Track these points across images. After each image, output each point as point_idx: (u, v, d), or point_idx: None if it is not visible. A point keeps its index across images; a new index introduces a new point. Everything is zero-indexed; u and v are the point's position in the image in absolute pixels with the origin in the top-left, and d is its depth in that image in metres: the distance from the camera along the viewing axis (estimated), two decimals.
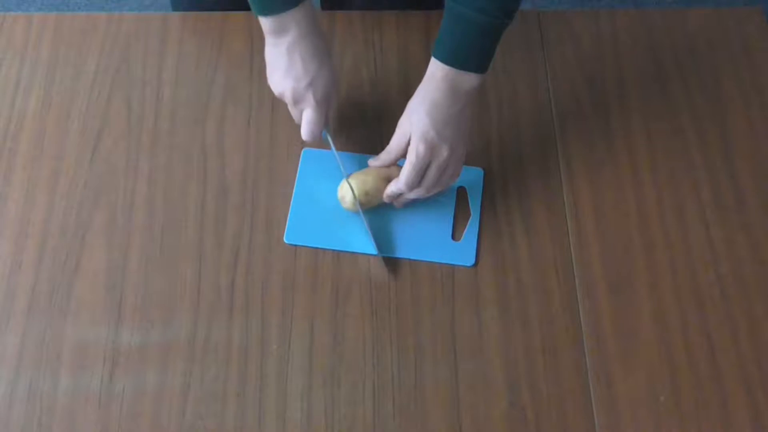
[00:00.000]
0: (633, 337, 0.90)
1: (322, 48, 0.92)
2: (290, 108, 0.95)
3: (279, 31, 0.90)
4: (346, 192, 0.93)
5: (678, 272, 0.94)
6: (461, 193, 0.98)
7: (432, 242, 0.95)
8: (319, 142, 0.96)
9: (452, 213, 0.97)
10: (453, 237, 0.96)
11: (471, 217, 0.97)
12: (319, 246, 0.94)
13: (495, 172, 1.00)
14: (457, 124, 0.90)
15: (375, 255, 0.93)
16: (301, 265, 0.93)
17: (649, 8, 2.14)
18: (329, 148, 0.96)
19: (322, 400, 0.86)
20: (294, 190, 0.97)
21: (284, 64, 0.91)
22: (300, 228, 0.94)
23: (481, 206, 0.97)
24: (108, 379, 0.87)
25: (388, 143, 1.00)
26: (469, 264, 0.94)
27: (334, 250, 0.94)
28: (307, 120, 0.92)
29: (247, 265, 0.93)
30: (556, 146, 1.02)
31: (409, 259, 0.94)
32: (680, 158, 1.01)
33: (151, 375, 0.87)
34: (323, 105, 0.92)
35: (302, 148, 1.00)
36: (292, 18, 0.89)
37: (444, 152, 0.89)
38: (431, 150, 0.89)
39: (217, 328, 0.89)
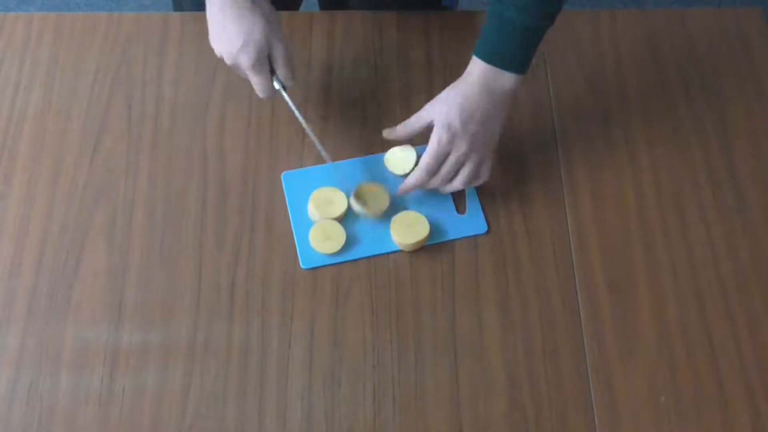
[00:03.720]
0: (633, 337, 0.90)
1: (250, 11, 0.90)
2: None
3: None
4: (358, 205, 0.94)
5: (678, 272, 0.94)
6: None
7: (440, 222, 0.95)
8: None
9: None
10: (457, 211, 0.96)
11: (467, 188, 0.97)
12: (338, 261, 0.93)
13: (495, 171, 0.99)
14: (485, 122, 0.91)
15: (397, 251, 0.94)
16: (300, 264, 0.93)
17: (649, 8, 2.14)
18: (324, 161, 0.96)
19: (322, 400, 0.86)
20: (290, 216, 0.96)
21: (218, 28, 0.92)
22: (312, 250, 0.94)
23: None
24: (108, 379, 0.86)
25: (388, 143, 1.00)
26: (482, 231, 0.95)
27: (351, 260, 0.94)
28: (253, 83, 0.92)
29: (247, 265, 0.93)
30: (556, 146, 1.02)
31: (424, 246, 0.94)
32: (680, 158, 1.01)
33: (151, 375, 0.87)
34: (258, 69, 0.90)
35: (282, 172, 0.99)
36: None
37: (464, 145, 0.90)
38: (452, 139, 0.90)
39: (217, 329, 0.89)
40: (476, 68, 0.91)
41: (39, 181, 0.98)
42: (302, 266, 0.93)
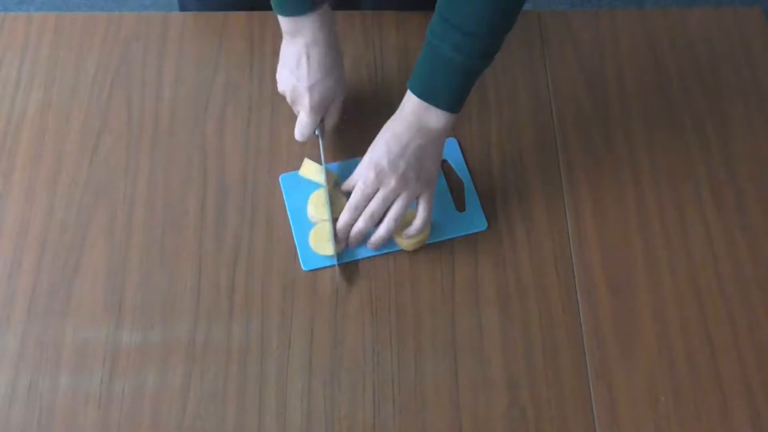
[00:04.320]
0: (633, 337, 0.90)
1: (333, 58, 0.93)
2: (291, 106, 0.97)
3: (294, 33, 0.92)
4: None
5: (678, 272, 0.94)
6: (447, 168, 0.99)
7: (440, 221, 0.95)
8: (312, 150, 0.97)
9: (447, 188, 0.98)
10: (457, 209, 0.96)
11: (465, 186, 0.97)
12: (339, 263, 0.93)
13: (495, 171, 1.00)
14: (416, 159, 0.88)
15: (398, 251, 0.94)
16: (301, 265, 0.93)
17: (649, 8, 2.14)
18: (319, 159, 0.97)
19: (322, 400, 0.86)
20: (290, 218, 0.96)
21: (293, 63, 0.93)
22: (312, 252, 0.94)
23: (470, 172, 0.99)
24: (108, 379, 0.86)
25: None
26: (482, 228, 0.95)
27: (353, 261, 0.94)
28: (299, 121, 0.94)
29: (247, 265, 0.93)
30: (556, 146, 1.02)
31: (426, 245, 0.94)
32: (680, 158, 1.01)
33: (151, 375, 0.87)
34: (316, 110, 0.93)
35: (280, 174, 0.99)
36: (310, 22, 0.90)
37: (392, 183, 0.88)
38: (379, 178, 0.88)
39: (217, 328, 0.89)
40: (408, 103, 0.89)
41: (39, 181, 0.98)
42: (303, 268, 0.93)
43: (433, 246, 0.95)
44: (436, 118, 0.87)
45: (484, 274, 0.93)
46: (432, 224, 0.94)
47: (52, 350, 0.88)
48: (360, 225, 0.91)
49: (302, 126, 0.94)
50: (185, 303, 0.91)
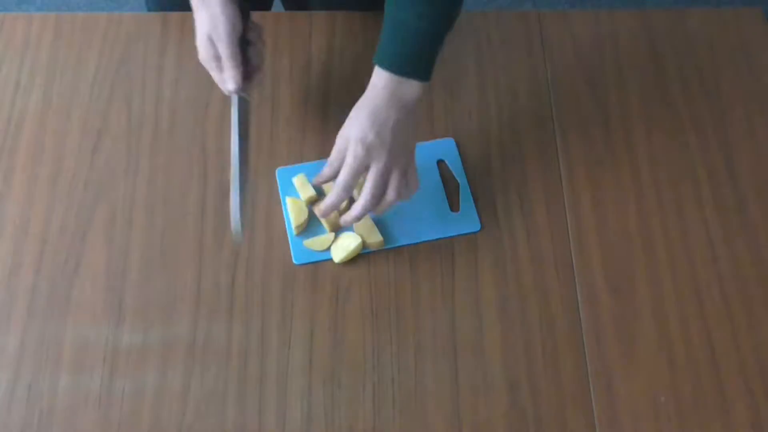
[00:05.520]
0: (633, 337, 0.90)
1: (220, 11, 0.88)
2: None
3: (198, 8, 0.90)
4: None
5: (678, 272, 0.94)
6: (443, 168, 0.99)
7: (433, 220, 0.95)
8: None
9: (442, 188, 0.98)
10: (451, 209, 0.96)
11: (461, 186, 0.97)
12: (329, 257, 0.93)
13: (495, 171, 1.00)
14: (399, 133, 0.87)
15: (390, 248, 0.94)
16: (301, 265, 0.93)
17: (649, 8, 2.14)
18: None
19: (322, 400, 0.86)
20: (284, 212, 0.96)
21: (198, 32, 0.90)
22: (303, 246, 0.94)
23: (466, 173, 0.98)
24: (108, 379, 0.87)
25: None
26: (475, 230, 0.95)
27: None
28: (224, 68, 0.90)
29: (247, 265, 0.93)
30: (556, 146, 1.02)
31: (416, 244, 0.94)
32: (680, 158, 1.01)
33: (151, 375, 0.87)
34: (231, 43, 0.88)
35: (277, 166, 0.99)
36: None
37: (384, 156, 0.87)
38: (369, 152, 0.86)
39: (217, 328, 0.89)
40: (379, 80, 0.88)
41: (39, 181, 0.98)
42: (294, 262, 0.93)
43: (433, 246, 0.95)
44: (411, 89, 0.87)
45: (484, 274, 0.93)
46: (424, 223, 0.94)
47: (52, 350, 0.88)
48: (359, 208, 0.88)
49: (228, 69, 0.89)
50: (185, 303, 0.91)
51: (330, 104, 1.04)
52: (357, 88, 1.05)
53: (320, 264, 0.93)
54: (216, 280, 0.92)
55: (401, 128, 0.88)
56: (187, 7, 0.92)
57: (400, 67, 0.86)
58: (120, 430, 0.84)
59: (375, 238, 0.93)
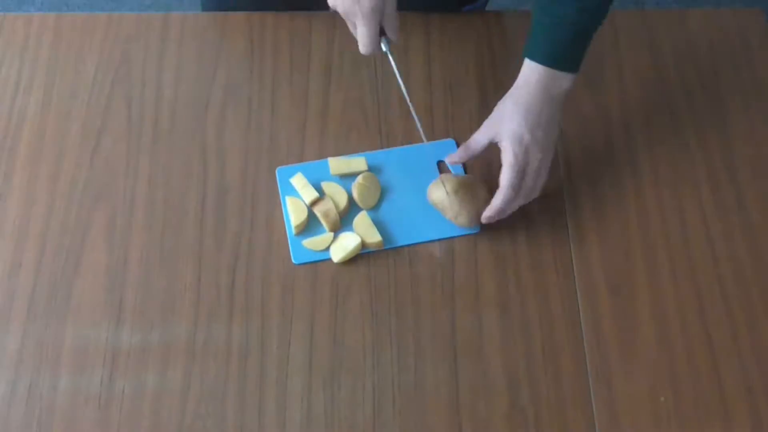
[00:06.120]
0: (633, 337, 0.90)
1: None
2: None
3: None
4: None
5: (678, 272, 0.94)
6: (444, 169, 0.99)
7: (432, 221, 0.95)
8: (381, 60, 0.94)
9: None
10: None
11: None
12: (327, 257, 0.93)
13: (495, 171, 0.99)
14: (548, 128, 0.91)
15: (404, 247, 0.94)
16: (301, 266, 0.93)
17: (649, 8, 2.14)
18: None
19: (322, 400, 0.86)
20: (283, 211, 0.96)
21: None
22: (302, 245, 0.94)
23: (469, 172, 0.99)
24: (108, 379, 0.86)
25: (387, 143, 1.00)
26: (475, 230, 0.95)
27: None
28: (359, 35, 0.90)
29: (247, 265, 0.93)
30: (555, 146, 1.02)
31: (416, 244, 0.94)
32: (680, 158, 1.01)
33: (151, 375, 0.87)
34: (371, 17, 0.88)
35: (277, 166, 0.99)
36: None
37: (538, 153, 0.90)
38: (526, 153, 0.89)
39: (217, 328, 0.89)
40: (533, 74, 0.90)
41: (39, 181, 0.98)
42: (293, 262, 0.93)
43: (432, 246, 0.95)
44: (564, 82, 0.91)
45: (484, 274, 0.93)
46: (424, 224, 0.95)
47: (52, 350, 0.88)
48: (499, 202, 0.90)
49: (363, 37, 0.89)
50: (185, 303, 0.91)
51: (330, 104, 1.04)
52: (357, 87, 1.05)
53: (320, 264, 0.93)
54: (216, 280, 0.92)
55: (551, 123, 0.91)
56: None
57: (556, 61, 0.89)
58: (120, 430, 0.84)
59: (374, 238, 0.93)
